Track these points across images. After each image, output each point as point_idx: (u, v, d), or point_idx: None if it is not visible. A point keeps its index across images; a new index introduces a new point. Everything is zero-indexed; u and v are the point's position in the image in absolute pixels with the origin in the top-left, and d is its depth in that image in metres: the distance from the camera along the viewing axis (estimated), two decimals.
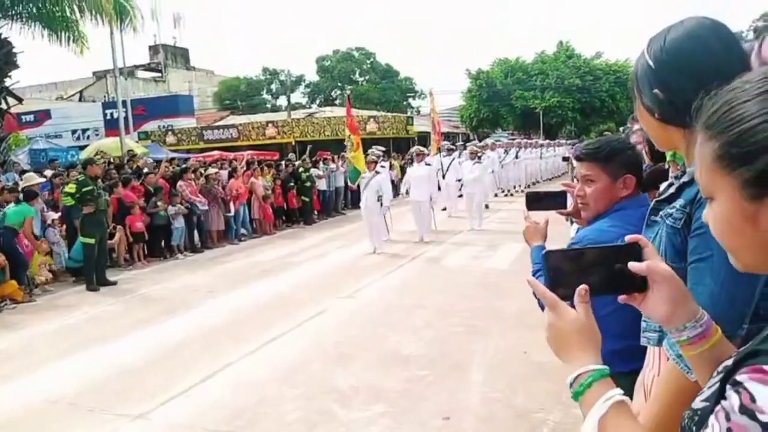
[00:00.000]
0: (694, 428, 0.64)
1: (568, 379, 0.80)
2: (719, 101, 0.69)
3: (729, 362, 0.60)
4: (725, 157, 0.66)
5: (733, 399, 0.54)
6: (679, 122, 1.02)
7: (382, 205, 9.97)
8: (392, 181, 15.32)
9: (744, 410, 0.53)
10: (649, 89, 1.06)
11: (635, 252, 0.82)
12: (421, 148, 11.95)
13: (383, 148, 11.33)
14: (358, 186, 10.82)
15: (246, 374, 4.66)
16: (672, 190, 1.12)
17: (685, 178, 1.08)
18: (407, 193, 11.34)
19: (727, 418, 0.54)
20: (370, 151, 10.45)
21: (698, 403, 0.68)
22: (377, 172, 10.17)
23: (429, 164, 11.61)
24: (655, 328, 1.18)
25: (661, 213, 1.11)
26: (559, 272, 0.84)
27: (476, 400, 3.96)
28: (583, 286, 0.84)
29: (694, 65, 1.00)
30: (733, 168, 0.66)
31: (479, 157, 13.00)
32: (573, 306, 0.84)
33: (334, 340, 5.35)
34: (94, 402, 4.22)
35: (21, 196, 8.34)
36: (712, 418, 0.57)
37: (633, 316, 1.28)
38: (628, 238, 0.83)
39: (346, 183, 14.73)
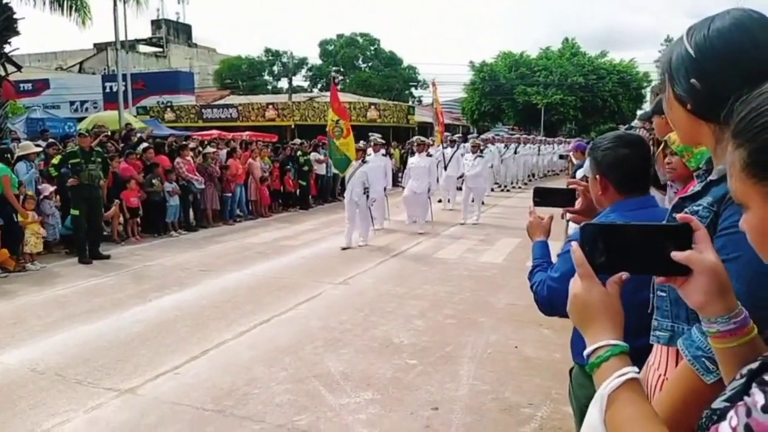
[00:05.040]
0: (711, 426, 0.62)
1: (586, 351, 0.80)
2: (747, 107, 0.67)
3: (755, 365, 0.58)
4: (754, 166, 0.65)
5: (757, 396, 0.54)
6: (712, 117, 0.99)
7: (368, 197, 9.26)
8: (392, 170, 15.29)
9: (767, 410, 0.52)
10: (685, 79, 1.03)
11: (685, 234, 0.76)
12: (423, 139, 11.85)
13: (380, 136, 11.15)
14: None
15: (236, 355, 4.65)
16: (698, 187, 1.10)
17: (713, 176, 1.06)
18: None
19: (748, 414, 0.54)
20: (372, 137, 10.25)
21: (719, 403, 0.67)
22: (364, 161, 9.45)
23: (430, 155, 11.54)
24: (666, 327, 1.17)
25: (685, 210, 1.09)
26: (597, 245, 0.81)
27: (465, 391, 3.96)
28: (622, 274, 0.81)
29: (740, 57, 0.97)
30: (762, 177, 0.64)
31: (481, 151, 12.92)
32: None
33: (326, 325, 5.35)
34: (82, 375, 4.21)
35: None
36: (731, 412, 0.57)
37: (636, 319, 1.28)
38: (680, 217, 0.79)
39: None
